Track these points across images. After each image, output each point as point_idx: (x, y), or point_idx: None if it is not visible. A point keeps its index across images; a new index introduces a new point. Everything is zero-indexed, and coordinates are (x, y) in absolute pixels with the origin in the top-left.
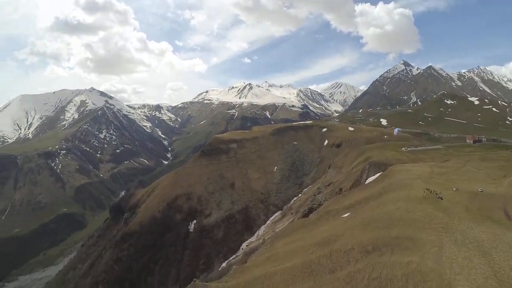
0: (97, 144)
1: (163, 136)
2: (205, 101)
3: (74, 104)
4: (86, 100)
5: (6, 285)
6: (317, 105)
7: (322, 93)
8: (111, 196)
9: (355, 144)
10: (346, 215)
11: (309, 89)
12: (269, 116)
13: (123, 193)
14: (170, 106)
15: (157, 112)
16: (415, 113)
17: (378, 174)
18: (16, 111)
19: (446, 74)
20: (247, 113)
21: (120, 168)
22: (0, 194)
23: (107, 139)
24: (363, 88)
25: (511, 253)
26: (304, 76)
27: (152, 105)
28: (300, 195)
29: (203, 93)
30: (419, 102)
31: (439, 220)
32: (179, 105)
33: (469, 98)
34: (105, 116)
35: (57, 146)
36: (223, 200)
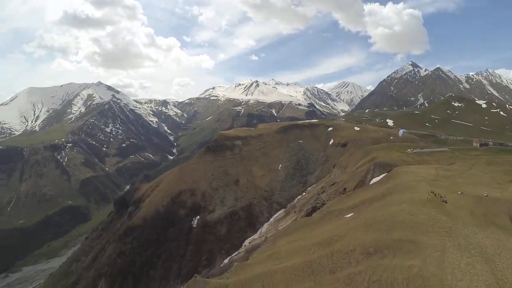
0: (103, 138)
1: (169, 131)
2: (212, 98)
3: (81, 98)
4: (93, 94)
5: (10, 276)
6: (324, 104)
7: (329, 92)
8: (116, 190)
9: (361, 144)
10: (349, 215)
11: (316, 87)
12: (275, 114)
13: (128, 187)
14: (177, 101)
15: (163, 108)
16: (422, 114)
17: (382, 175)
18: (23, 104)
19: (454, 76)
20: (253, 110)
21: (125, 162)
22: (6, 185)
23: (113, 133)
24: (370, 88)
25: None
26: (311, 74)
27: (158, 100)
28: (304, 193)
29: (209, 89)
30: (426, 103)
31: (442, 224)
32: (186, 101)
33: (477, 101)
34: (111, 110)
35: (63, 139)
36: (227, 196)
